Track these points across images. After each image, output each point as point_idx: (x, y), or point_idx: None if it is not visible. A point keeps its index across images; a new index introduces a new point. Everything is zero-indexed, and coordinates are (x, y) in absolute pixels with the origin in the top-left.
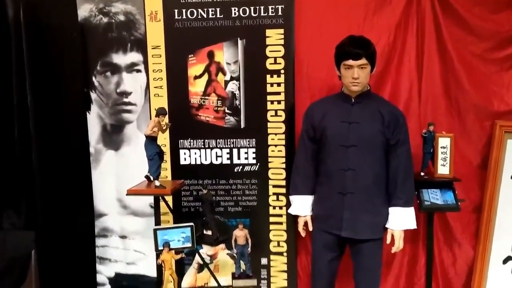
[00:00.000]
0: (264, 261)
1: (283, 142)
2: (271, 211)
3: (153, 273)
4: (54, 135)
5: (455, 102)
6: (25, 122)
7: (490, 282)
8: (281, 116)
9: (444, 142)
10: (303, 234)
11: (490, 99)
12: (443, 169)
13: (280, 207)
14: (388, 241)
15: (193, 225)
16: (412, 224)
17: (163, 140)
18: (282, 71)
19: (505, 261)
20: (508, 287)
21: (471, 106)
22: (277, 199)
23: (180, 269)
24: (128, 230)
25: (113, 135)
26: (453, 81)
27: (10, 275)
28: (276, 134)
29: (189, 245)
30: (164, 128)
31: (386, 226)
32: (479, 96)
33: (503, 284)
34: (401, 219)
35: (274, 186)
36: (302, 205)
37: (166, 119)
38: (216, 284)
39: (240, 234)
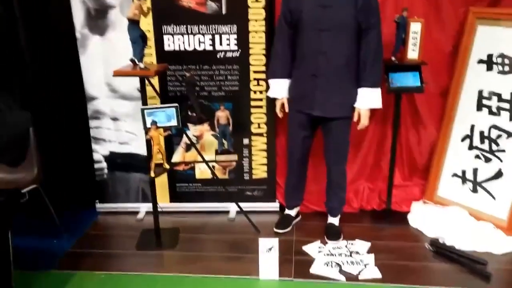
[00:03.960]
0: (245, 141)
1: (263, 28)
2: (252, 95)
3: (144, 151)
4: (39, 18)
5: None
6: (9, 3)
7: (449, 157)
8: (261, 2)
9: (415, 27)
10: (280, 115)
11: None
12: (412, 53)
13: (261, 92)
14: (355, 118)
15: (178, 105)
16: (378, 104)
17: (147, 25)
18: None
19: (463, 139)
20: (463, 161)
21: None
22: (258, 84)
23: (170, 148)
24: (118, 112)
25: (98, 20)
26: None
27: (12, 150)
28: (256, 20)
29: (174, 123)
30: (145, 11)
31: (354, 105)
32: None
33: (460, 158)
34: (367, 99)
35: (255, 72)
36: (279, 88)
37: (148, 3)
38: (202, 160)
39: (222, 115)
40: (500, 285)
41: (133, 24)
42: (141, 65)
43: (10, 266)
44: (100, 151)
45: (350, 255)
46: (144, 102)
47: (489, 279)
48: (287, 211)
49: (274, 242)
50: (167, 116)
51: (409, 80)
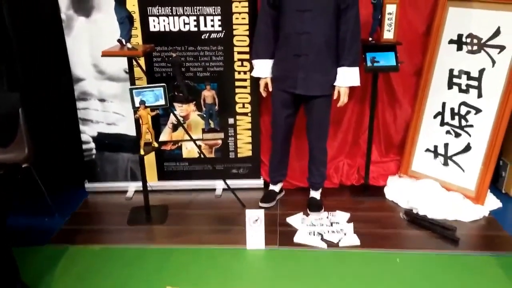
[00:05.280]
0: (231, 120)
1: (247, 10)
2: (236, 76)
3: (132, 132)
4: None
5: None
6: None
7: (422, 133)
8: None
9: (390, 8)
10: (264, 94)
11: None
12: (388, 34)
13: (245, 72)
14: (335, 96)
15: (165, 85)
16: (356, 82)
17: (132, 7)
18: None
19: (435, 116)
20: (435, 136)
21: None
22: (242, 65)
23: (157, 129)
24: (106, 93)
25: (83, 2)
26: None
27: (2, 131)
28: (240, 1)
29: (162, 103)
30: None
31: (334, 84)
32: None
33: (432, 134)
34: (346, 77)
35: (239, 53)
36: (263, 68)
37: None
38: (189, 139)
39: (208, 94)
40: (467, 248)
41: (120, 4)
42: (129, 45)
43: (8, 239)
44: (88, 132)
45: (331, 225)
46: (132, 82)
47: (457, 243)
48: (271, 187)
49: (260, 213)
50: (155, 96)
51: (385, 60)
